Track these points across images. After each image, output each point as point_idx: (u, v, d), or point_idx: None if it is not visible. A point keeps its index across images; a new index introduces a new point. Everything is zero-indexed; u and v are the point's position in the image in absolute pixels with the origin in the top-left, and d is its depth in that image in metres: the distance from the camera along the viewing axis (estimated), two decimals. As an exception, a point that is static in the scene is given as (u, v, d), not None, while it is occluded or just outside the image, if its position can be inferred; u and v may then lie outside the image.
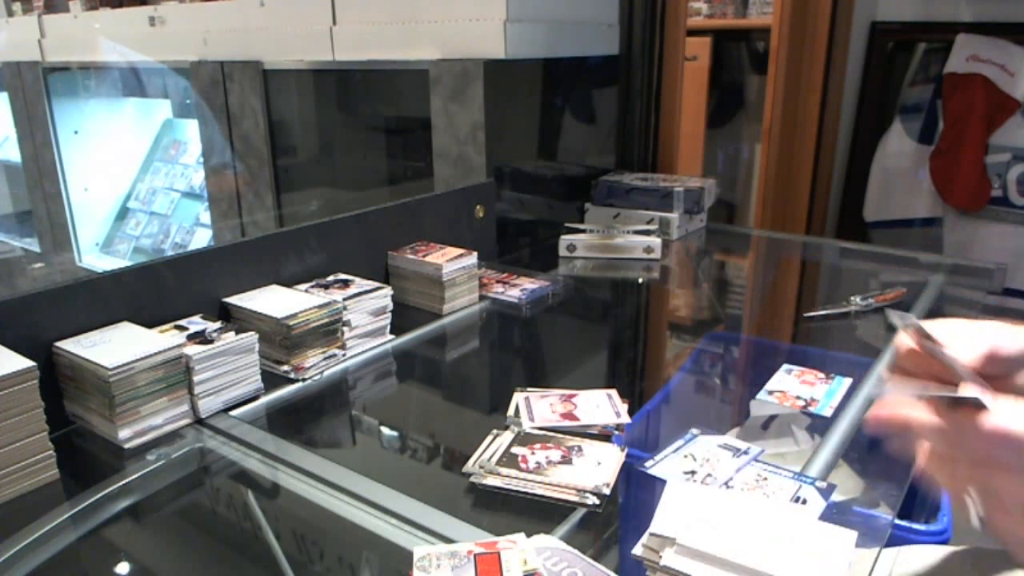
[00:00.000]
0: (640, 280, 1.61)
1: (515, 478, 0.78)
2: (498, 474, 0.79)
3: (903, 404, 0.51)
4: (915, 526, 0.60)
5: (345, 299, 1.12)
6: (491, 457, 0.82)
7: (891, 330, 0.75)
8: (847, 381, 1.02)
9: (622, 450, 0.82)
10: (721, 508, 0.55)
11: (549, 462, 0.80)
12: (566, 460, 0.81)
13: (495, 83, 1.59)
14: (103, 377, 0.86)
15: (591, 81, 1.92)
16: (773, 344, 1.34)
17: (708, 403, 1.17)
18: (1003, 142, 1.96)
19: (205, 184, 2.47)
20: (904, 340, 0.55)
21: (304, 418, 1.02)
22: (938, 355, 0.52)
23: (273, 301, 1.09)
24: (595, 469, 0.79)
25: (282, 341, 1.05)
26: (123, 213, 3.21)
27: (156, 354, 0.90)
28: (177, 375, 0.92)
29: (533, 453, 0.83)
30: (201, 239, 2.92)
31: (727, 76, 3.11)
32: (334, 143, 2.22)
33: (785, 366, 1.06)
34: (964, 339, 0.53)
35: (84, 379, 0.89)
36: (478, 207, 1.55)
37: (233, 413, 0.97)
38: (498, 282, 1.43)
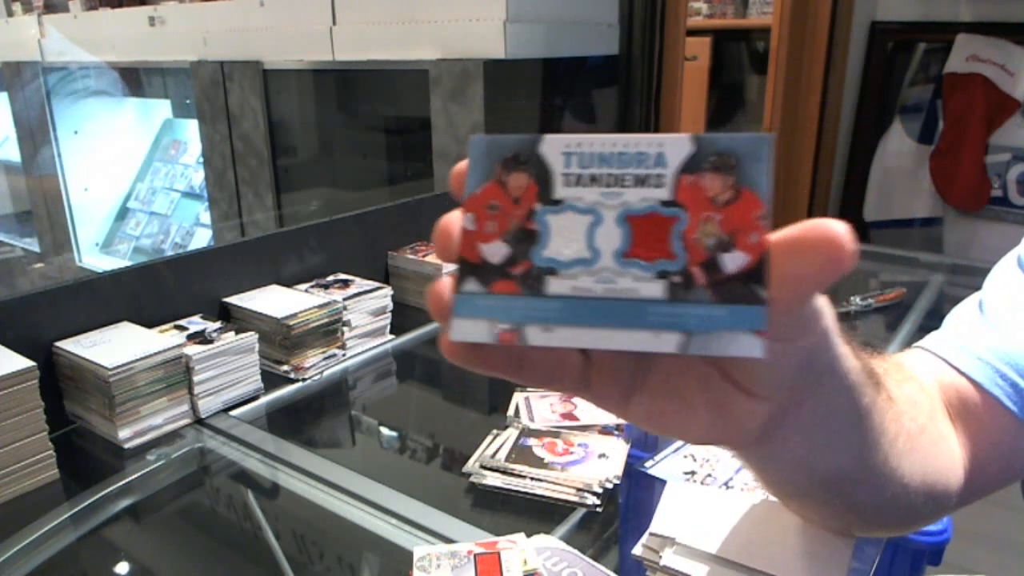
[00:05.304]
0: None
1: (519, 476, 0.78)
2: (506, 471, 0.79)
3: None
4: (915, 526, 0.59)
5: (345, 299, 1.12)
6: (495, 453, 0.82)
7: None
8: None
9: (627, 442, 0.82)
10: (721, 508, 0.55)
11: (557, 455, 0.81)
12: (572, 454, 0.81)
13: (495, 83, 1.59)
14: (103, 377, 0.86)
15: (591, 81, 1.92)
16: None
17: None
18: (1003, 142, 1.96)
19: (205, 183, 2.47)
20: None
21: (304, 418, 1.02)
22: None
23: (273, 301, 1.09)
24: (602, 463, 0.79)
25: (282, 341, 1.05)
26: (123, 213, 3.21)
27: (156, 354, 0.90)
28: (177, 375, 0.92)
29: (542, 444, 0.83)
30: (201, 239, 2.92)
31: (727, 76, 3.11)
32: (334, 143, 2.22)
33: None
34: None
35: (84, 379, 0.89)
36: (478, 207, 1.55)
37: (233, 413, 0.97)
38: (498, 282, 1.43)
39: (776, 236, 0.26)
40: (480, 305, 0.27)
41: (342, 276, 1.24)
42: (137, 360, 0.88)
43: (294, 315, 1.05)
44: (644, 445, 0.78)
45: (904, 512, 0.44)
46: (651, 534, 0.54)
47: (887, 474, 0.39)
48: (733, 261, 0.26)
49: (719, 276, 0.26)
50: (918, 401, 0.43)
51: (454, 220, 0.28)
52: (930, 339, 0.51)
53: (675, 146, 0.27)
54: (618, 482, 0.76)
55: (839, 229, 0.25)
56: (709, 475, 0.72)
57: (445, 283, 0.28)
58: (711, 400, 0.30)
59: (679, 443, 0.79)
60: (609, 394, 0.31)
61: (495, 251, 0.27)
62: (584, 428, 0.88)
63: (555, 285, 0.27)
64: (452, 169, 0.29)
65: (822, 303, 0.29)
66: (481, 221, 0.28)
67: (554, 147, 0.27)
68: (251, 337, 0.99)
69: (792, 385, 0.31)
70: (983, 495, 0.48)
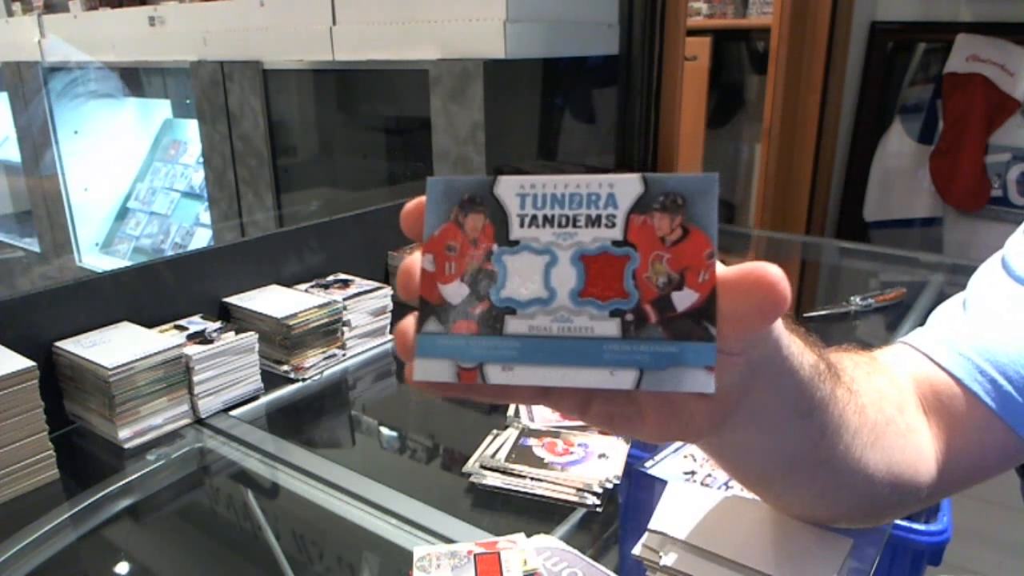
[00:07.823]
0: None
1: (519, 476, 0.78)
2: (506, 471, 0.79)
3: None
4: (915, 526, 0.60)
5: (345, 299, 1.12)
6: (495, 453, 0.82)
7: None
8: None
9: (627, 442, 0.82)
10: (721, 508, 0.55)
11: (557, 455, 0.81)
12: (572, 454, 0.81)
13: (495, 83, 1.59)
14: (103, 377, 0.86)
15: (591, 81, 1.92)
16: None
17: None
18: (1003, 142, 1.96)
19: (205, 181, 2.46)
20: None
21: (304, 418, 1.02)
22: None
23: (273, 301, 1.09)
24: (602, 463, 0.79)
25: (282, 341, 1.05)
26: (123, 213, 3.21)
27: (156, 354, 0.90)
28: (177, 375, 0.92)
29: (542, 444, 0.83)
30: (201, 239, 2.92)
31: (727, 76, 3.11)
32: (334, 143, 2.22)
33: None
34: None
35: (84, 379, 0.89)
36: (478, 207, 1.55)
37: (233, 413, 0.97)
38: (498, 282, 1.43)
39: (720, 275, 0.27)
40: (441, 345, 0.28)
41: (342, 276, 1.24)
42: (137, 360, 0.88)
43: (294, 315, 1.05)
44: (644, 445, 0.78)
45: (870, 503, 0.44)
46: (651, 533, 0.54)
47: (851, 464, 0.40)
48: (683, 299, 0.27)
49: (670, 314, 0.27)
50: (887, 394, 0.44)
51: (415, 261, 0.29)
52: (914, 335, 0.52)
53: (625, 186, 0.28)
54: (618, 482, 0.76)
55: (776, 273, 0.26)
56: (709, 475, 0.72)
57: (408, 324, 0.28)
58: (664, 403, 0.31)
59: (679, 443, 0.79)
60: (569, 402, 0.32)
61: (455, 292, 0.28)
62: (584, 428, 0.88)
63: (513, 325, 0.28)
64: (403, 209, 0.30)
65: None
66: (440, 262, 0.29)
67: (509, 188, 0.28)
68: (251, 337, 0.99)
69: (740, 386, 0.32)
70: (958, 490, 0.48)
